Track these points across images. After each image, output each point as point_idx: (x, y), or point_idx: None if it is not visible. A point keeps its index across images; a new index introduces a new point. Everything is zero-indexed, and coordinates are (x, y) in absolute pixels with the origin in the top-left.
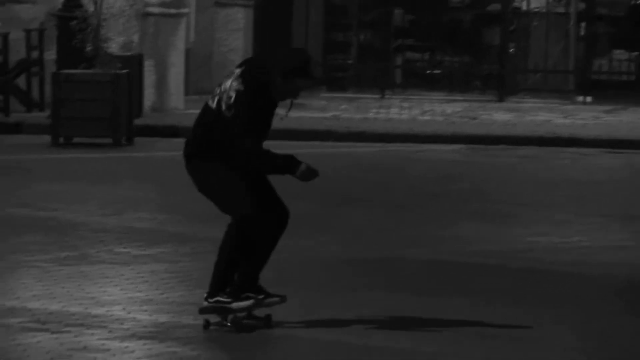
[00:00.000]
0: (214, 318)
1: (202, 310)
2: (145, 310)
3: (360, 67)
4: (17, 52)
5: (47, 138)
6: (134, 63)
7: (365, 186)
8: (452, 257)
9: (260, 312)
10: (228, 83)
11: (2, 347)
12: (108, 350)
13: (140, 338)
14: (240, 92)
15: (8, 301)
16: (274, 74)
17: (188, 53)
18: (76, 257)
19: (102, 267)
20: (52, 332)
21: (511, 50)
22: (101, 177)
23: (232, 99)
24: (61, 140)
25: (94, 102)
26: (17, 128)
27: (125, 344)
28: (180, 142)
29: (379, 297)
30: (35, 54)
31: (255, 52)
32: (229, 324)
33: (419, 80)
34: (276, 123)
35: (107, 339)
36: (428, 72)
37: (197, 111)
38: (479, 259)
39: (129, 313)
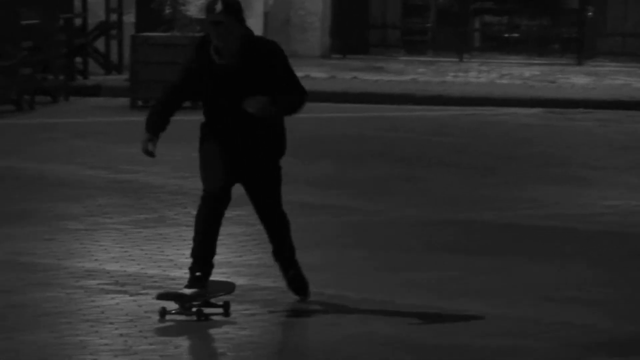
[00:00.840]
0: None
1: (160, 297)
2: (224, 273)
3: (438, 30)
4: (96, 14)
5: (125, 100)
6: None
7: (443, 149)
8: (528, 220)
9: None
10: None
11: (80, 308)
12: None
13: (219, 300)
14: None
15: (87, 263)
16: None
17: (266, 16)
18: (154, 220)
19: (180, 230)
20: (131, 294)
21: (590, 13)
22: (179, 140)
23: None
24: (139, 102)
25: (172, 65)
26: (95, 90)
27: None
28: None
29: (454, 259)
30: (114, 17)
31: (334, 17)
32: (189, 311)
33: (497, 44)
34: (354, 86)
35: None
36: (506, 35)
37: None
38: (555, 222)
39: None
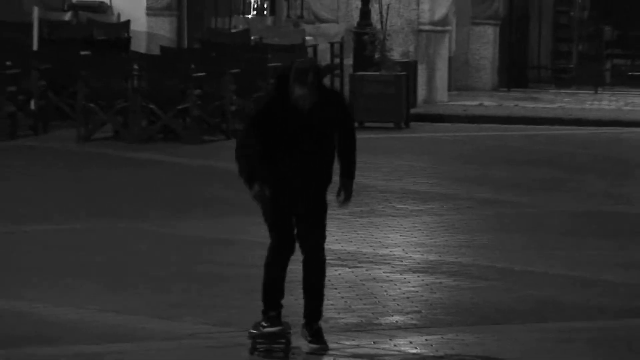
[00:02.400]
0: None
1: (251, 336)
2: (419, 251)
3: (579, 69)
4: (324, 59)
5: None
6: (411, 67)
7: (586, 158)
8: None
9: None
10: None
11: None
12: (391, 281)
13: (415, 272)
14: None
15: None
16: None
17: (450, 60)
18: (367, 211)
19: (386, 219)
20: (349, 267)
21: None
22: (386, 152)
23: None
24: (356, 124)
25: (380, 96)
26: None
27: (403, 276)
28: (445, 126)
29: (597, 243)
30: (337, 61)
31: (500, 60)
32: (280, 347)
33: (624, 80)
34: (516, 111)
35: (390, 272)
36: (630, 73)
37: (457, 103)
38: None
39: (406, 253)
